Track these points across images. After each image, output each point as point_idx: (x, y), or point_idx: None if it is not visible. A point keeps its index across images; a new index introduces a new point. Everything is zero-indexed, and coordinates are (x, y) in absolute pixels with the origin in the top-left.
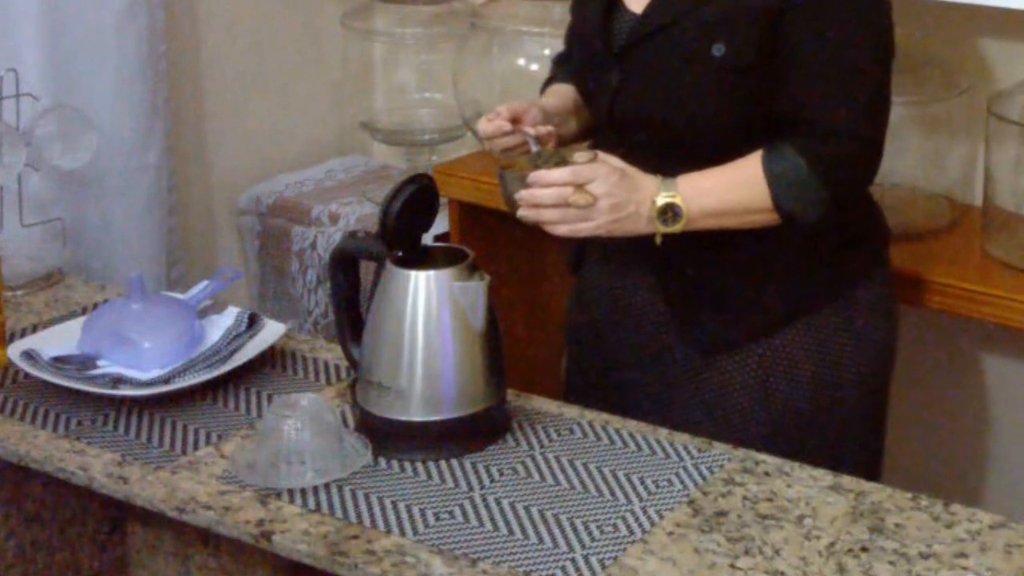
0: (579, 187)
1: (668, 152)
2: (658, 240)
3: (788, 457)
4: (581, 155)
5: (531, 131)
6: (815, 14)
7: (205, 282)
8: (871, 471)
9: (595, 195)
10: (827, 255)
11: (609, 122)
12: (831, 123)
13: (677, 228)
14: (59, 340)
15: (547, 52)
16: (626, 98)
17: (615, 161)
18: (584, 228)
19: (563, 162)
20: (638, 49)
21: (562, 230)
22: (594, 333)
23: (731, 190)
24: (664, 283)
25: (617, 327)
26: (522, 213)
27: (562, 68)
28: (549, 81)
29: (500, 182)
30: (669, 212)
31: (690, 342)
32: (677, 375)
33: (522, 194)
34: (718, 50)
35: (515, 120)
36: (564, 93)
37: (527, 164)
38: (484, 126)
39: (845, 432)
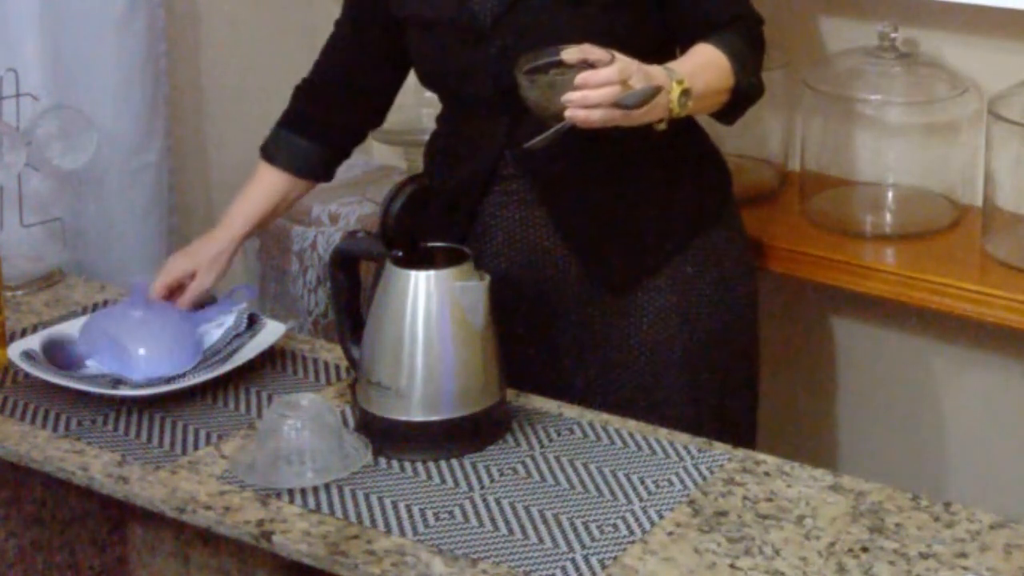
0: (623, 84)
1: None
2: (663, 127)
3: (710, 385)
4: (577, 51)
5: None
6: None
7: (220, 301)
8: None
9: (656, 86)
10: (691, 179)
11: (498, 93)
12: (741, 14)
13: (685, 111)
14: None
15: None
16: (511, 63)
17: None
18: (619, 122)
19: (561, 62)
20: (515, 13)
21: (600, 125)
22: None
23: (709, 72)
24: (565, 227)
25: (522, 287)
26: (571, 113)
27: (283, 135)
28: (265, 154)
29: (524, 86)
30: (683, 96)
31: (601, 281)
32: (593, 321)
33: (573, 97)
34: None
35: (182, 282)
36: (261, 200)
37: (530, 64)
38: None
39: (740, 353)
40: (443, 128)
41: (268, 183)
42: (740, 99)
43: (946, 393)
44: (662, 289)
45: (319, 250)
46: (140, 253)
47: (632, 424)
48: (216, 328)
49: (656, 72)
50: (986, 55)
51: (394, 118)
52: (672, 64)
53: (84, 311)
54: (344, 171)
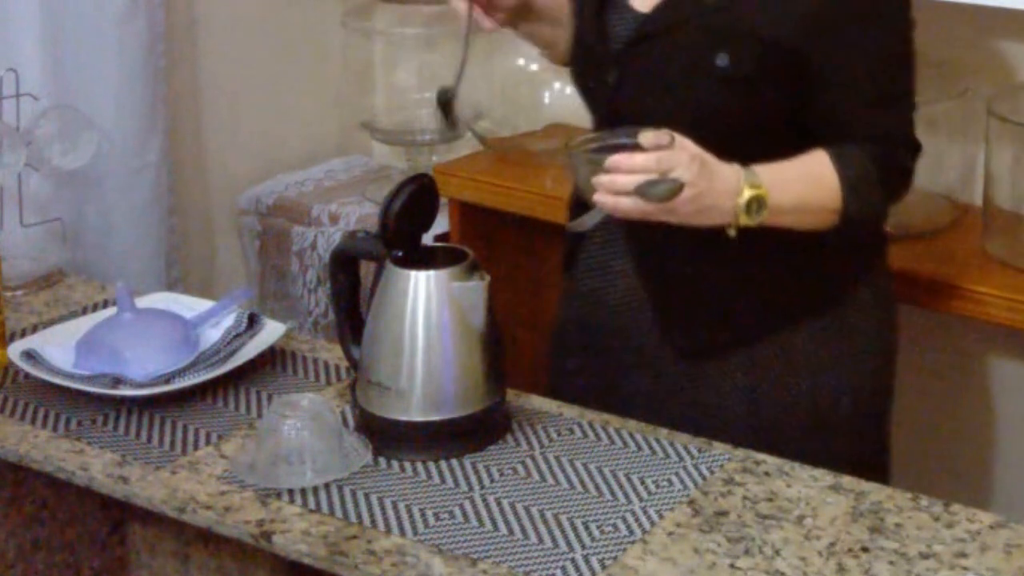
0: (661, 174)
1: None
2: (732, 233)
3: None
4: (653, 135)
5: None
6: (849, 42)
7: (214, 303)
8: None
9: (681, 183)
10: (818, 259)
11: (608, 121)
12: (886, 134)
13: (758, 221)
14: (59, 340)
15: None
16: (624, 99)
17: (692, 146)
18: (660, 218)
19: (637, 145)
20: (638, 49)
21: (636, 217)
22: (581, 335)
23: (808, 187)
24: (650, 286)
25: (603, 330)
26: (599, 199)
27: None
28: None
29: (571, 164)
30: (755, 205)
31: (675, 347)
32: (663, 380)
33: (601, 180)
34: (722, 60)
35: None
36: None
37: (594, 143)
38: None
39: (838, 441)
40: None
41: None
42: (849, 226)
43: (945, 392)
44: (734, 369)
45: (319, 250)
46: (140, 253)
47: (632, 424)
48: (213, 328)
49: (722, 171)
50: (986, 55)
51: (394, 118)
52: (760, 167)
53: (84, 311)
54: (344, 171)
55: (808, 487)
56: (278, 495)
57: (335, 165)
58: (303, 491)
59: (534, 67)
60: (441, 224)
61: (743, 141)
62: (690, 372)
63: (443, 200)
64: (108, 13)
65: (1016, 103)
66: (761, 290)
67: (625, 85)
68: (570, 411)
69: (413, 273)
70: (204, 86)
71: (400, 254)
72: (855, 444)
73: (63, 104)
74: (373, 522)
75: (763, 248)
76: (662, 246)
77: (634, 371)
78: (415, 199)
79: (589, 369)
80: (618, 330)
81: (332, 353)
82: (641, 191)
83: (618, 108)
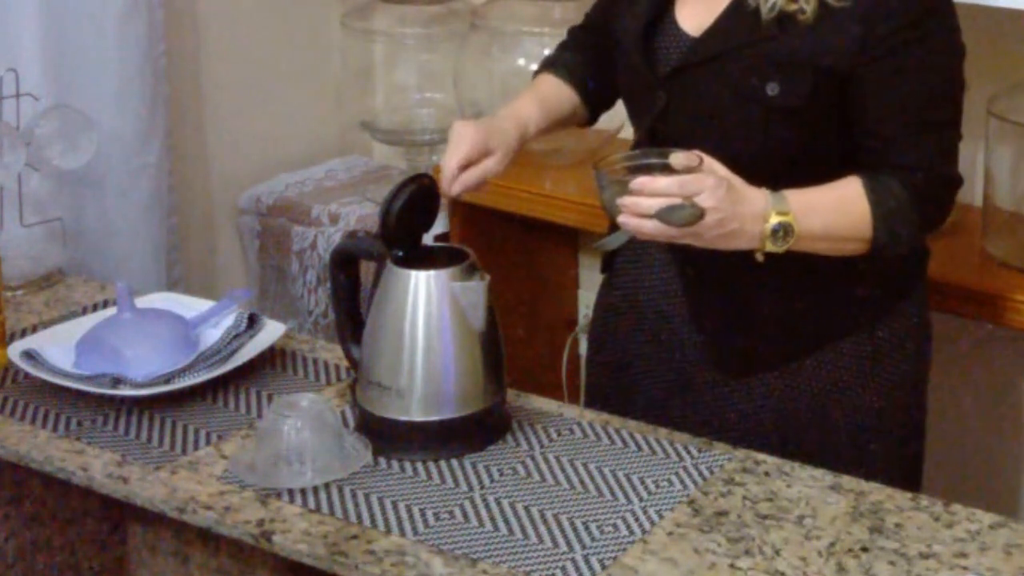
0: (685, 198)
1: None
2: (760, 258)
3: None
4: (684, 157)
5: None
6: (894, 69)
7: (214, 303)
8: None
9: (702, 209)
10: (858, 281)
11: (650, 140)
12: (925, 164)
13: (785, 248)
14: (59, 340)
15: (547, 52)
16: (670, 123)
17: (721, 169)
18: (685, 242)
19: (667, 166)
20: (687, 74)
21: (661, 240)
22: (616, 338)
23: (838, 215)
24: (687, 300)
25: (639, 335)
26: (622, 220)
27: (565, 54)
28: (546, 67)
29: (597, 183)
30: (781, 231)
31: (708, 360)
32: (694, 392)
33: (624, 201)
34: (772, 89)
35: (472, 160)
36: (549, 97)
37: (623, 162)
38: (452, 188)
39: (873, 459)
40: None
41: (551, 86)
42: (879, 255)
43: (945, 393)
44: (764, 386)
45: (319, 250)
46: (140, 253)
47: (632, 424)
48: (213, 328)
49: (749, 195)
50: (986, 55)
51: (394, 118)
52: (790, 193)
53: (84, 311)
54: (344, 171)
55: (808, 487)
56: (278, 495)
57: (335, 165)
58: (303, 491)
59: (534, 67)
60: (441, 224)
61: (786, 168)
62: (721, 386)
63: (443, 200)
64: (108, 12)
65: (1016, 103)
66: (800, 310)
67: (671, 109)
68: (570, 411)
69: (413, 273)
70: (204, 86)
71: (400, 254)
72: (891, 461)
73: (63, 104)
74: (373, 522)
75: (802, 269)
76: (701, 261)
77: (665, 379)
78: (415, 199)
79: (621, 371)
80: (651, 336)
81: (332, 353)
82: (661, 215)
83: (661, 131)
